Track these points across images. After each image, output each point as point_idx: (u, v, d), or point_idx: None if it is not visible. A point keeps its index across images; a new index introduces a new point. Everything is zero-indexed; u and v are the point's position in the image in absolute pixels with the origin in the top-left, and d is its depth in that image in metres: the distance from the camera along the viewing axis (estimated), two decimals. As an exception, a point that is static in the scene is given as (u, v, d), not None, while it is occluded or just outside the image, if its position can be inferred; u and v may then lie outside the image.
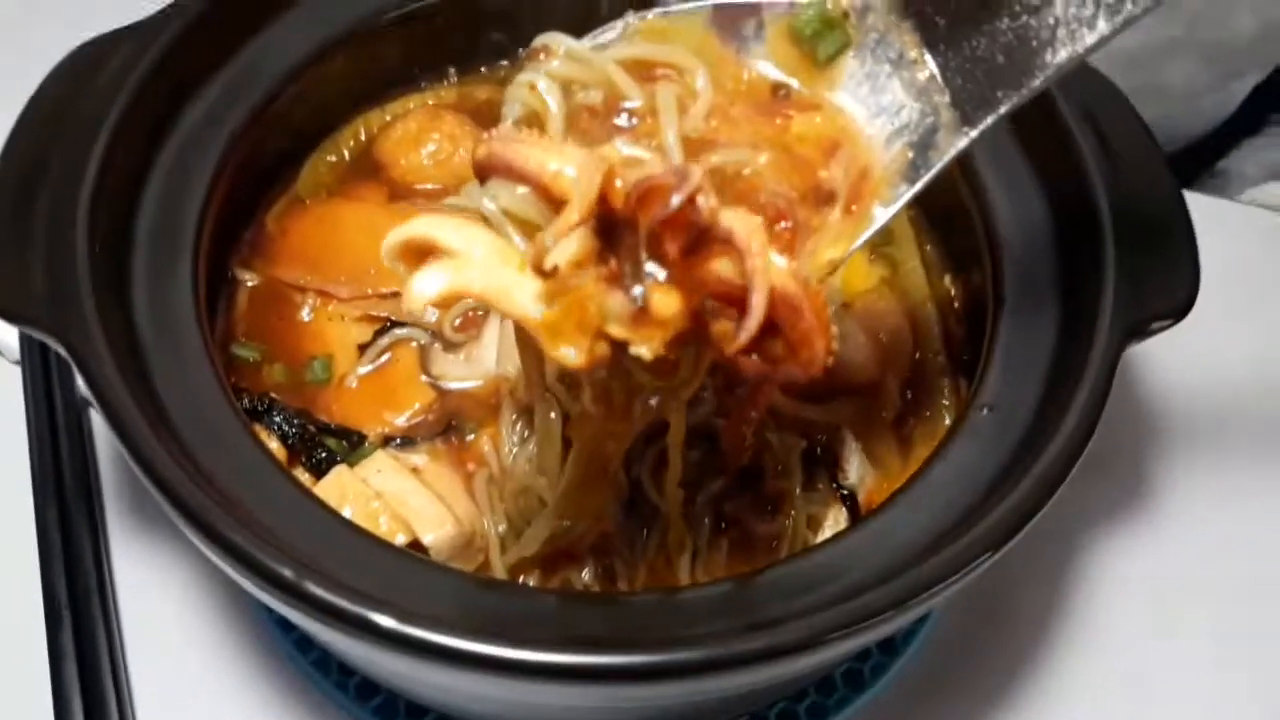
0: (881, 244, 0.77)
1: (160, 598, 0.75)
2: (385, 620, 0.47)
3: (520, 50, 0.85)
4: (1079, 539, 0.81)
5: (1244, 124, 1.16)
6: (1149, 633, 0.77)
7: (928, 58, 0.55)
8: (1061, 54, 0.51)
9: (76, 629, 0.71)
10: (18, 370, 0.83)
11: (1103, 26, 0.51)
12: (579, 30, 0.82)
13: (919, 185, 0.55)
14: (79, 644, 0.70)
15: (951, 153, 0.54)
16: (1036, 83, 0.52)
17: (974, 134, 0.54)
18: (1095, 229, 0.64)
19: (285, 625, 0.73)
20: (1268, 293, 0.94)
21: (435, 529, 0.63)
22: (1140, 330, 0.61)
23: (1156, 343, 0.87)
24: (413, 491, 0.64)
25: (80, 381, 0.78)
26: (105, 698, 0.69)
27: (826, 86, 0.57)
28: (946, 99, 0.55)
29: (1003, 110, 0.53)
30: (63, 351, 0.56)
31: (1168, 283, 0.62)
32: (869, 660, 0.74)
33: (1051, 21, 0.51)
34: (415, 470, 0.66)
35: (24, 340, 0.83)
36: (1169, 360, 0.89)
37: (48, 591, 0.72)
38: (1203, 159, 1.17)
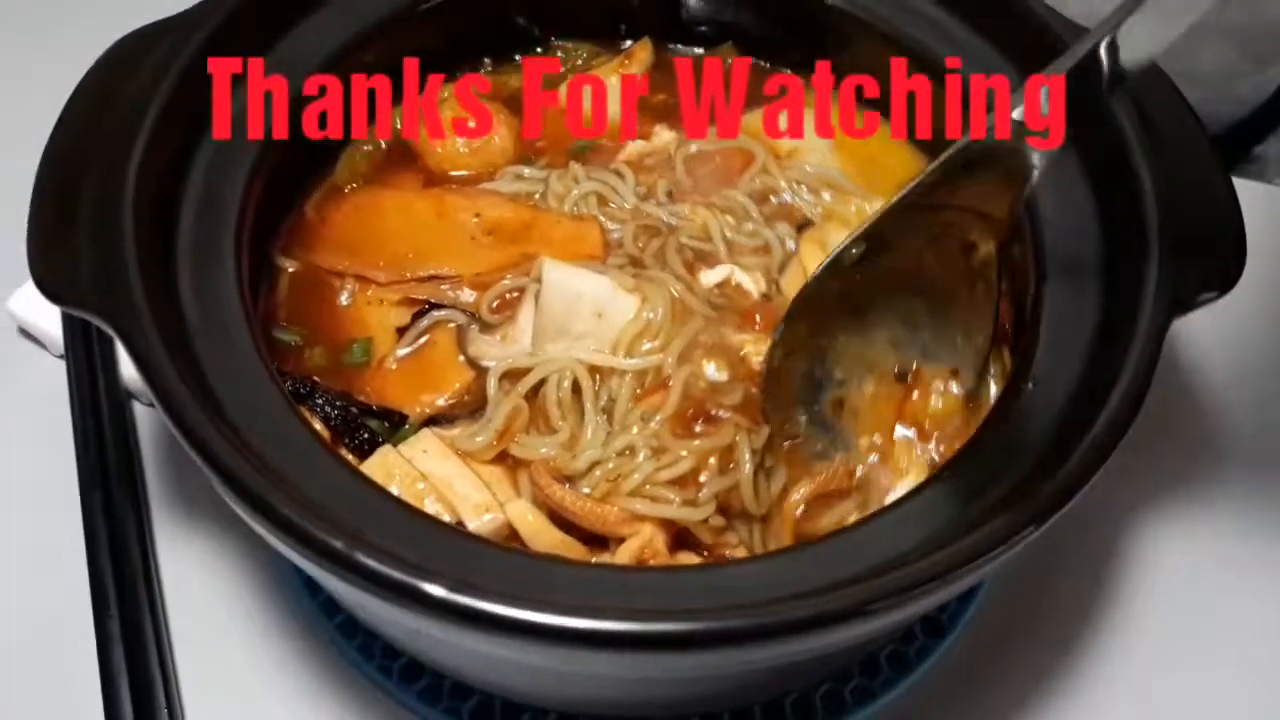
0: None
1: (204, 583, 0.75)
2: (436, 589, 0.47)
3: (552, 39, 0.87)
4: (1124, 522, 0.80)
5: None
6: (1195, 617, 0.76)
7: None
8: None
9: (123, 614, 0.72)
10: (62, 364, 0.84)
11: None
12: (606, 20, 0.85)
13: None
14: (125, 629, 0.71)
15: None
16: None
17: None
18: (1138, 202, 0.63)
19: (329, 610, 0.73)
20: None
21: (480, 515, 0.63)
22: (1187, 302, 0.60)
23: (1198, 326, 0.87)
24: (459, 475, 0.64)
25: (127, 367, 0.81)
26: (152, 682, 0.70)
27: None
28: None
29: None
30: (113, 334, 0.57)
31: (1214, 255, 0.62)
32: (914, 643, 0.74)
33: None
34: (461, 454, 0.66)
35: (68, 334, 0.84)
36: (1211, 342, 0.88)
37: (95, 578, 0.73)
38: (1239, 145, 1.16)
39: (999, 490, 0.56)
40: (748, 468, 0.64)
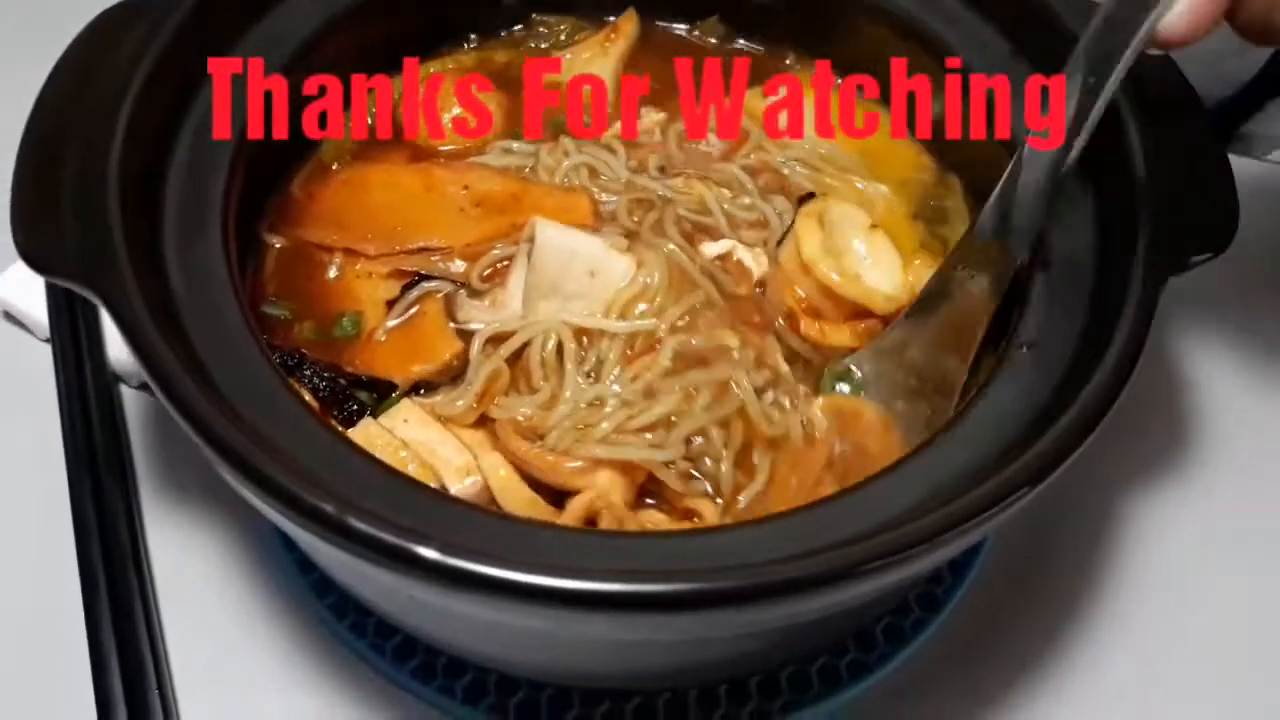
0: (938, 223, 0.78)
1: (194, 565, 0.75)
2: (428, 552, 0.47)
3: (534, 15, 0.86)
4: (1118, 501, 0.80)
5: (1267, 86, 1.15)
6: (1191, 588, 0.76)
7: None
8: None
9: (112, 597, 0.71)
10: (48, 348, 0.84)
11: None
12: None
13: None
14: (115, 612, 0.71)
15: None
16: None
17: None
18: (1129, 165, 0.63)
19: (320, 590, 0.73)
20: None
21: (462, 479, 0.63)
22: (1181, 264, 0.60)
23: (1189, 301, 0.88)
24: (440, 441, 0.64)
25: (114, 350, 0.81)
26: (143, 664, 0.69)
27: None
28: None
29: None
30: (99, 303, 0.56)
31: (1207, 216, 0.62)
32: (909, 617, 0.73)
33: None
34: (443, 419, 0.65)
35: (53, 317, 0.84)
36: (1203, 317, 0.89)
37: (83, 561, 0.73)
38: (1227, 122, 1.16)
39: (994, 453, 0.56)
40: (747, 385, 0.65)
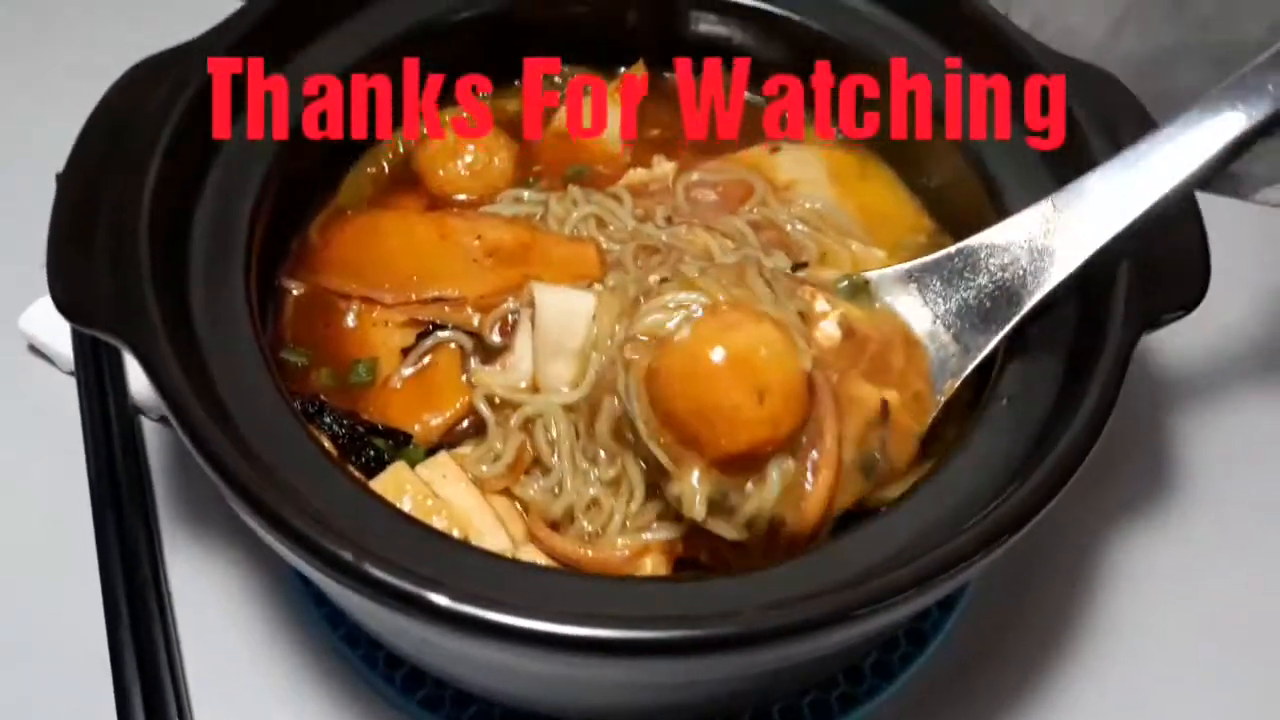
0: None
1: (212, 593, 0.78)
2: (440, 599, 0.50)
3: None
4: (1102, 534, 0.82)
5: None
6: (1168, 624, 0.79)
7: (928, 310, 0.70)
8: (1037, 294, 0.65)
9: (134, 624, 0.74)
10: (71, 380, 0.87)
11: (1056, 274, 0.65)
12: (605, 49, 0.88)
13: (936, 410, 0.67)
14: (136, 638, 0.73)
15: (962, 375, 0.68)
16: (1020, 314, 0.66)
17: (978, 358, 0.67)
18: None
19: (333, 621, 0.75)
20: (1281, 290, 0.96)
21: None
22: (1154, 321, 0.63)
23: (1174, 339, 0.90)
24: (478, 510, 0.66)
25: (135, 383, 0.83)
26: (162, 688, 0.72)
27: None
28: (950, 337, 0.69)
29: (996, 339, 0.67)
30: (133, 356, 0.59)
31: (1180, 275, 0.64)
32: (897, 650, 0.76)
33: (1020, 273, 0.66)
34: (476, 480, 0.68)
35: (78, 351, 0.86)
36: (1187, 357, 0.91)
37: (107, 589, 0.75)
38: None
39: (974, 504, 0.59)
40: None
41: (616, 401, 0.65)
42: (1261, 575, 0.81)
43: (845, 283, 0.71)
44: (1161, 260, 0.64)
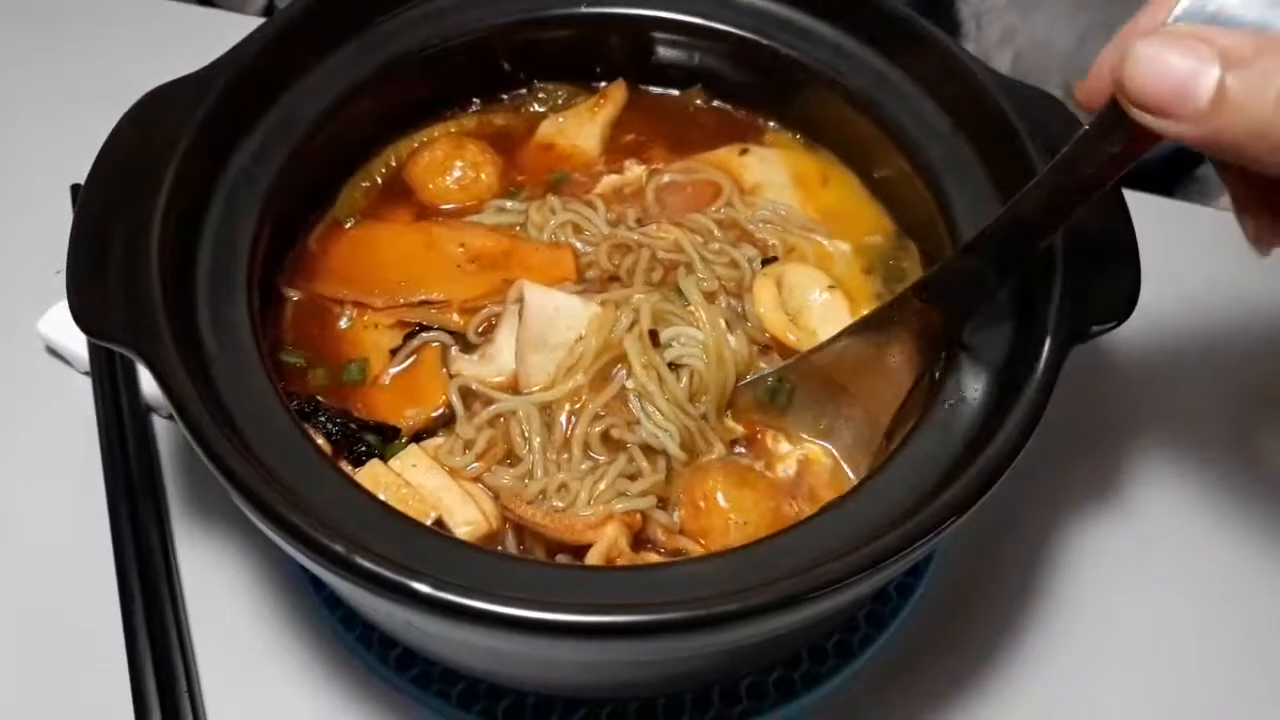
0: (895, 281, 0.84)
1: (219, 581, 0.82)
2: (423, 587, 0.55)
3: (535, 81, 0.94)
4: (1056, 524, 0.86)
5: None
6: (1117, 608, 0.83)
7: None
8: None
9: (148, 612, 0.77)
10: (87, 380, 0.91)
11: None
12: (586, 65, 0.93)
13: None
14: (150, 625, 0.77)
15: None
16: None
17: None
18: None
19: (331, 604, 0.80)
20: (1247, 295, 0.99)
21: (467, 525, 0.70)
22: (1083, 334, 0.67)
23: (1136, 343, 0.94)
24: (446, 488, 0.71)
25: (147, 384, 0.88)
26: (174, 669, 0.76)
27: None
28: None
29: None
30: (143, 365, 0.64)
31: (1110, 291, 0.68)
32: (858, 633, 0.81)
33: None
34: (448, 469, 0.73)
35: (93, 352, 0.91)
36: (1150, 359, 0.95)
37: (121, 578, 0.79)
38: (1182, 167, 1.22)
39: (915, 497, 0.64)
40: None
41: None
42: (1204, 559, 0.86)
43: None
44: (1093, 276, 0.68)
